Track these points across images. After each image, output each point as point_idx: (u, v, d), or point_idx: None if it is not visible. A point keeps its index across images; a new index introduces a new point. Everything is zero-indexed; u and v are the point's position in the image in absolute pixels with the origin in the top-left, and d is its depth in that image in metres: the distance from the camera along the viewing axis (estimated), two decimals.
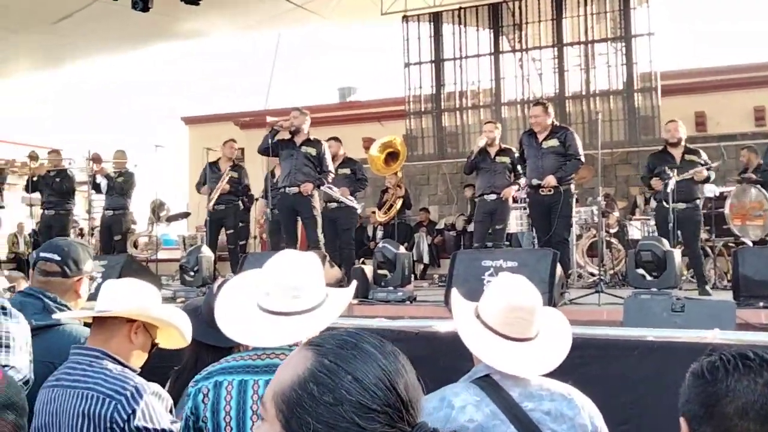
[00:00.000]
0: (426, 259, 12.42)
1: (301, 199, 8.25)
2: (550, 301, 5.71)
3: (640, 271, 6.11)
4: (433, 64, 13.26)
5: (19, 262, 13.23)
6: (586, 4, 12.18)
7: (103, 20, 11.33)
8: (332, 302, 2.09)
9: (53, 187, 10.51)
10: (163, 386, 2.42)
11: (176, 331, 2.46)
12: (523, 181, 8.28)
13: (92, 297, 2.68)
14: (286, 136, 8.46)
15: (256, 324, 2.02)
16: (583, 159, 7.82)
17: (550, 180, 7.50)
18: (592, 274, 9.15)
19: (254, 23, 13.64)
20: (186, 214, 13.86)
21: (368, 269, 7.40)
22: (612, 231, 9.80)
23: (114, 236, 10.49)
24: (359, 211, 9.33)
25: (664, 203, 7.38)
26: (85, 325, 2.60)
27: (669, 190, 7.25)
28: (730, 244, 8.55)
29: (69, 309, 2.75)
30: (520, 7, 12.62)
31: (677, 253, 6.33)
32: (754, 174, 8.94)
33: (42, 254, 2.82)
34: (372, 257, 7.74)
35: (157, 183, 18.71)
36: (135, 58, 16.85)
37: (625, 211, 11.47)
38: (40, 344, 2.47)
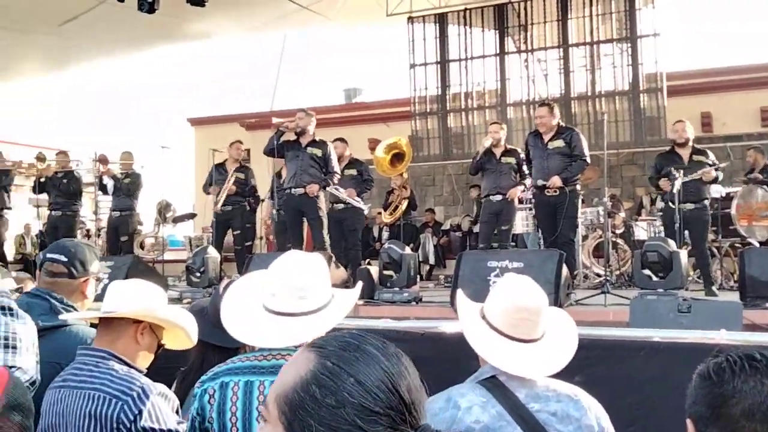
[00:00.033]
0: (432, 260, 12.42)
1: (306, 200, 8.25)
2: (556, 302, 5.70)
3: (647, 271, 6.10)
4: (439, 65, 13.25)
5: (26, 263, 13.26)
6: (591, 5, 12.15)
7: (109, 22, 11.36)
8: (338, 303, 2.09)
9: (60, 188, 10.55)
10: (170, 387, 2.42)
11: (182, 332, 2.47)
12: (528, 181, 8.27)
13: (99, 298, 2.68)
14: (292, 137, 8.46)
15: (262, 325, 2.02)
16: (588, 160, 7.81)
17: (555, 181, 7.50)
18: (598, 275, 9.13)
19: (260, 25, 13.66)
20: (192, 215, 13.88)
21: (374, 270, 7.40)
22: (618, 232, 9.78)
23: (121, 237, 10.52)
24: (366, 212, 9.34)
25: (670, 204, 7.37)
26: (92, 325, 2.61)
27: (675, 190, 7.23)
28: (737, 245, 8.53)
29: (75, 310, 2.75)
30: (525, 8, 12.60)
31: (683, 253, 6.32)
32: (760, 174, 8.92)
33: (49, 255, 2.82)
34: (378, 258, 7.74)
35: (163, 184, 18.74)
36: (141, 59, 16.90)
37: (631, 212, 11.45)
38: (46, 345, 2.48)
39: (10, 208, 10.96)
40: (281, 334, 1.98)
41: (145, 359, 2.43)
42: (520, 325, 2.09)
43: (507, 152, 8.40)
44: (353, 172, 9.31)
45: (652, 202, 11.14)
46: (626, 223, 10.02)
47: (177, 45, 15.04)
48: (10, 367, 1.96)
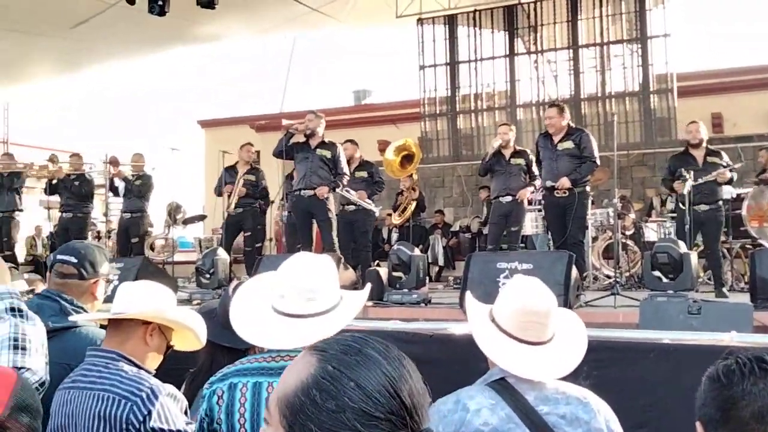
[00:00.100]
0: (441, 262, 12.41)
1: (316, 201, 8.26)
2: (566, 304, 5.68)
3: (656, 273, 6.08)
4: (448, 67, 13.24)
5: (36, 265, 13.32)
6: (601, 6, 12.12)
7: (120, 25, 11.40)
8: (347, 305, 2.09)
9: (72, 190, 10.60)
10: (179, 388, 2.43)
11: (191, 334, 2.48)
12: (538, 182, 8.26)
13: (108, 299, 2.69)
14: (301, 139, 8.47)
15: (271, 326, 2.02)
16: (598, 161, 7.79)
17: (564, 182, 7.48)
18: (608, 277, 9.11)
19: (270, 27, 13.68)
20: (202, 217, 13.91)
21: (383, 271, 7.39)
22: (628, 233, 9.74)
23: (131, 239, 10.56)
24: (377, 214, 9.34)
25: (681, 205, 7.34)
26: (101, 327, 2.62)
27: (685, 191, 7.21)
28: (747, 246, 8.49)
29: (85, 311, 2.76)
30: (535, 9, 12.59)
31: (694, 255, 6.29)
32: None
33: (59, 256, 2.83)
34: (387, 260, 7.74)
35: (173, 186, 18.81)
36: (151, 62, 16.96)
37: (641, 213, 11.41)
38: (56, 346, 2.49)
39: (21, 210, 11.03)
40: (290, 335, 1.98)
41: (154, 360, 2.44)
42: (529, 327, 2.09)
43: (516, 153, 8.38)
44: (364, 174, 9.30)
45: (663, 203, 11.11)
46: (636, 224, 9.98)
47: (187, 47, 15.09)
48: (20, 368, 1.97)
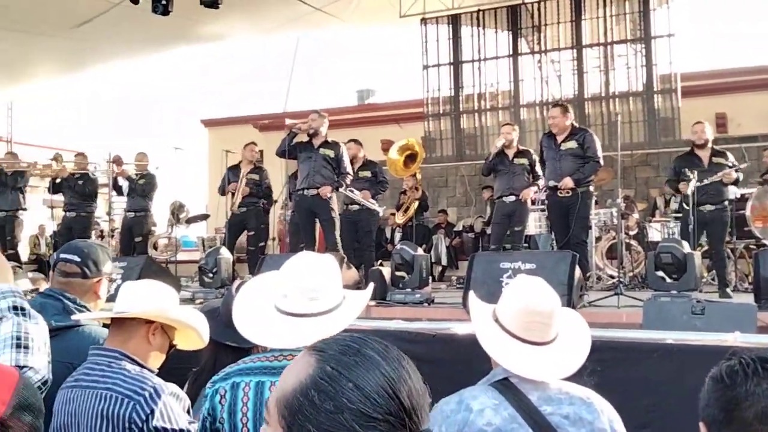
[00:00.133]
0: (444, 261, 12.41)
1: (319, 201, 8.26)
2: (569, 304, 5.67)
3: (660, 273, 6.07)
4: (452, 66, 13.24)
5: (40, 264, 13.34)
6: (605, 6, 12.11)
7: (124, 24, 11.41)
8: (350, 304, 2.09)
9: (75, 189, 10.62)
10: (182, 387, 2.43)
11: (194, 333, 2.47)
12: (542, 182, 8.25)
13: (111, 298, 2.69)
14: (305, 138, 8.48)
15: (274, 325, 2.02)
16: (601, 161, 7.77)
17: (567, 182, 7.48)
18: (612, 277, 9.10)
19: (273, 26, 13.68)
20: (205, 216, 13.93)
21: (386, 271, 7.39)
22: (631, 233, 9.74)
23: (135, 238, 10.58)
24: (381, 214, 9.34)
25: (685, 205, 7.33)
26: (104, 326, 2.62)
27: (689, 192, 7.20)
28: (751, 246, 8.48)
29: (88, 310, 2.76)
30: (538, 9, 12.57)
31: (697, 255, 6.28)
32: None
33: (62, 255, 2.83)
34: (390, 259, 7.74)
35: (176, 185, 18.85)
36: (155, 61, 16.97)
37: (645, 213, 11.40)
38: (59, 345, 2.49)
39: (25, 209, 11.04)
40: (293, 334, 1.98)
41: (156, 359, 2.44)
42: (532, 327, 2.08)
43: (520, 153, 8.37)
44: (368, 173, 9.29)
45: (666, 203, 11.09)
46: (640, 224, 9.98)
47: (191, 47, 15.09)
48: (22, 367, 1.97)
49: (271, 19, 13.04)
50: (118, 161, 10.80)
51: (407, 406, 1.06)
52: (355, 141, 9.48)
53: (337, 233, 8.36)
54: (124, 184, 10.70)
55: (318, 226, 8.67)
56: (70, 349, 2.52)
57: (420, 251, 7.36)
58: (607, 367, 3.42)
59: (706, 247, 8.15)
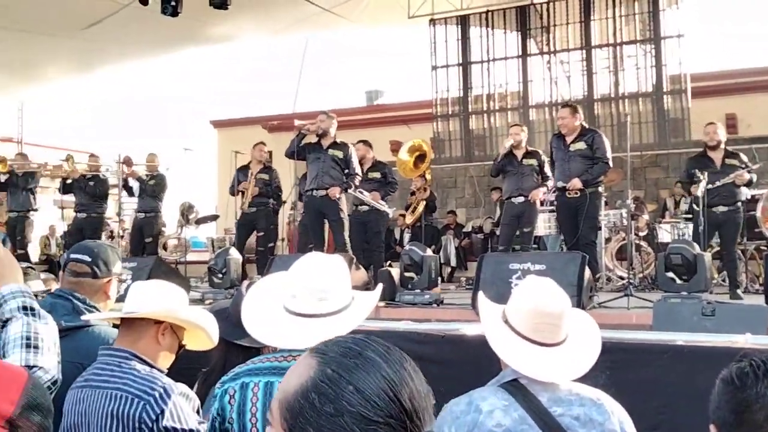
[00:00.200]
0: (453, 262, 12.40)
1: (328, 201, 8.27)
2: (579, 305, 5.65)
3: (670, 274, 6.05)
4: (461, 67, 13.22)
5: (50, 264, 13.41)
6: (614, 6, 12.07)
7: (133, 25, 11.45)
8: (359, 305, 2.09)
9: (86, 190, 10.66)
10: (191, 388, 2.43)
11: (203, 333, 2.48)
12: (551, 183, 8.24)
13: (121, 299, 2.70)
14: (313, 139, 8.49)
15: (283, 326, 2.02)
16: (610, 162, 7.75)
17: (575, 183, 7.46)
18: (621, 278, 9.07)
19: (282, 27, 13.70)
20: (215, 217, 13.96)
21: (395, 272, 7.39)
22: (641, 234, 9.71)
23: (145, 238, 10.61)
24: (390, 215, 9.33)
25: (696, 206, 7.30)
26: (114, 326, 2.62)
27: (699, 193, 7.17)
28: (762, 248, 8.43)
29: (98, 310, 2.77)
30: (548, 10, 12.55)
31: (707, 256, 6.25)
32: None
33: (72, 255, 2.84)
34: (399, 260, 7.73)
35: (186, 186, 18.90)
36: (164, 62, 17.03)
37: (655, 214, 11.37)
38: (69, 345, 2.49)
39: (35, 210, 11.09)
40: (301, 335, 1.99)
41: (166, 359, 2.45)
42: (542, 328, 2.08)
43: (528, 154, 8.35)
44: (377, 174, 9.28)
45: (676, 204, 11.05)
46: (650, 225, 9.94)
47: (200, 48, 15.13)
48: (32, 367, 1.97)
49: (280, 20, 13.05)
50: (128, 162, 10.84)
51: (408, 408, 1.06)
52: (365, 142, 9.48)
53: (346, 234, 8.37)
54: (134, 184, 10.74)
55: (327, 226, 8.67)
56: (80, 349, 2.53)
57: (429, 252, 7.35)
58: (617, 369, 3.41)
59: (716, 249, 8.11)
